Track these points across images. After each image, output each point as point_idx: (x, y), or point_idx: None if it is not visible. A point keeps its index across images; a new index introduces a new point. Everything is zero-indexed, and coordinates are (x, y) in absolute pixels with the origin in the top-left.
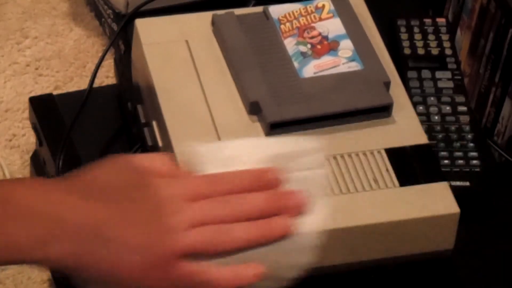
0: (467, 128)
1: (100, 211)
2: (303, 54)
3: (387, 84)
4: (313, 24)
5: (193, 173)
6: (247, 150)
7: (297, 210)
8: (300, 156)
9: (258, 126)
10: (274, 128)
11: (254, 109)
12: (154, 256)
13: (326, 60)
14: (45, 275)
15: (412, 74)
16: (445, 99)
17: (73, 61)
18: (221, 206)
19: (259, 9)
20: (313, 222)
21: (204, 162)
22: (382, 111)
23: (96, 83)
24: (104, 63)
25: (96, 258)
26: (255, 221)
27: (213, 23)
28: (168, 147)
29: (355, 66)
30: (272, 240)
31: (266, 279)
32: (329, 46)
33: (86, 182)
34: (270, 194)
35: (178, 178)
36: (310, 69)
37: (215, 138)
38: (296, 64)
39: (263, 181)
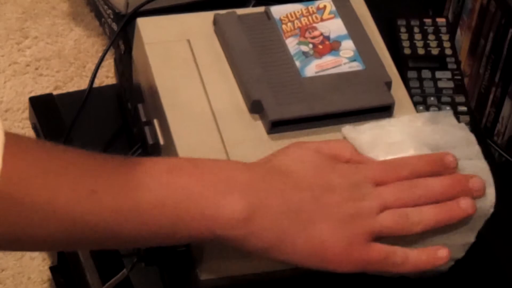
0: (467, 128)
1: (299, 194)
2: (305, 54)
3: (388, 84)
4: (314, 25)
5: (375, 159)
6: (409, 137)
7: (477, 193)
8: (458, 146)
9: (259, 124)
10: (276, 126)
11: (256, 107)
12: (348, 239)
13: (328, 60)
14: (45, 275)
15: (412, 74)
16: (445, 99)
17: (73, 61)
18: (408, 190)
19: (260, 9)
20: (485, 202)
21: (372, 148)
22: (384, 111)
23: (96, 83)
24: (104, 63)
25: (294, 239)
26: (442, 203)
27: (215, 22)
28: (170, 146)
29: (356, 66)
30: (458, 220)
31: None
32: (331, 46)
33: (281, 168)
34: (452, 178)
35: (363, 164)
36: (311, 69)
37: (217, 136)
38: (297, 64)
39: (441, 166)
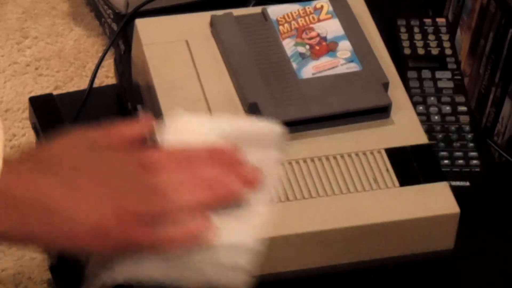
0: (467, 128)
1: (50, 185)
2: (302, 55)
3: (385, 85)
4: (311, 25)
5: (150, 148)
6: (211, 126)
7: (251, 182)
8: (260, 137)
9: None
10: None
11: (252, 110)
12: (106, 222)
13: (325, 61)
14: (45, 275)
15: (412, 74)
16: (445, 99)
17: (73, 61)
18: (179, 175)
19: (257, 9)
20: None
21: (167, 131)
22: (381, 112)
23: (96, 83)
24: (104, 63)
25: (48, 230)
26: (210, 183)
27: (212, 24)
28: None
29: (353, 67)
30: (225, 201)
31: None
32: (328, 47)
33: (39, 158)
34: (228, 167)
35: (133, 151)
36: (308, 70)
37: None
38: (294, 65)
39: (219, 158)
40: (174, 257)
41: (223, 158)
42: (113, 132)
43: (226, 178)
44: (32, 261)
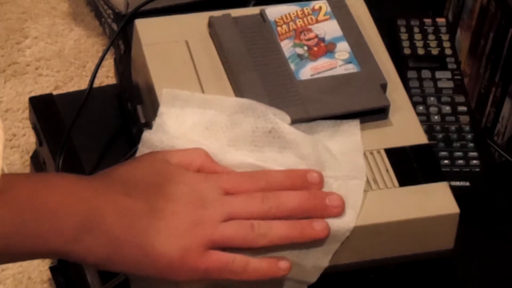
0: (467, 128)
1: (136, 204)
2: (300, 56)
3: (384, 86)
4: (309, 26)
5: (230, 170)
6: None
7: (335, 210)
8: (340, 163)
9: None
10: None
11: None
12: (188, 246)
13: (323, 62)
14: (45, 275)
15: (412, 74)
16: (445, 99)
17: (73, 61)
18: (258, 201)
19: (255, 10)
20: (342, 224)
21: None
22: (379, 113)
23: (96, 83)
24: (104, 63)
25: (124, 248)
26: (294, 220)
27: (210, 25)
28: None
29: (351, 68)
30: (308, 240)
31: (291, 280)
32: (326, 48)
33: (122, 178)
34: (308, 193)
35: (215, 173)
36: (306, 72)
37: None
38: (292, 66)
39: (303, 182)
40: None
41: (305, 181)
42: (193, 153)
43: (310, 211)
44: (32, 261)
